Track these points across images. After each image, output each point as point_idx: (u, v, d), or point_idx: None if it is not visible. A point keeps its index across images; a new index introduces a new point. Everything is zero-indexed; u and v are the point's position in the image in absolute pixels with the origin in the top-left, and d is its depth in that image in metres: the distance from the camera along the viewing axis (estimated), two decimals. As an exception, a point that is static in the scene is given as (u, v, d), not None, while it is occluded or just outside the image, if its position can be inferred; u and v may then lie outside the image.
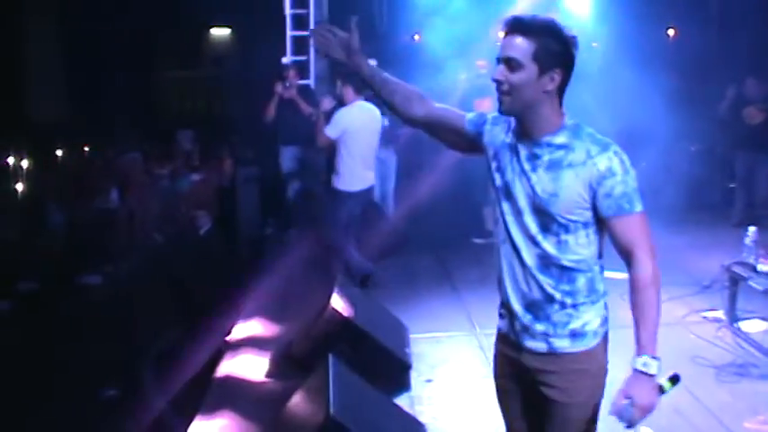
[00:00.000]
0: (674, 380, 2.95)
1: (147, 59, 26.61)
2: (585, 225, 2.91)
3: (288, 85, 9.72)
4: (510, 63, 2.82)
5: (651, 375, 2.84)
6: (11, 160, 15.37)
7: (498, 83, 2.88)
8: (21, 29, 22.75)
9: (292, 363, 5.80)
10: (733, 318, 6.47)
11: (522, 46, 2.79)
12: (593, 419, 3.06)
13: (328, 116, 7.75)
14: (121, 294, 11.26)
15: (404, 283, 8.22)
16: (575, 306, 2.96)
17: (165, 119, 25.94)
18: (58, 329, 9.56)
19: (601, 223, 2.91)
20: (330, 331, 5.57)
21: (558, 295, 2.95)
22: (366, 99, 7.71)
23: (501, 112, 2.94)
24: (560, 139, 2.89)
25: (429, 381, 5.78)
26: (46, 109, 22.50)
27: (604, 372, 3.05)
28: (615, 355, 3.12)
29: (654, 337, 2.87)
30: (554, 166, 2.87)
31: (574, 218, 2.88)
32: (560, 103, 2.90)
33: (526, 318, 3.01)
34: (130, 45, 24.15)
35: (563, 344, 2.97)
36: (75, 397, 7.61)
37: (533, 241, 2.95)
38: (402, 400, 5.30)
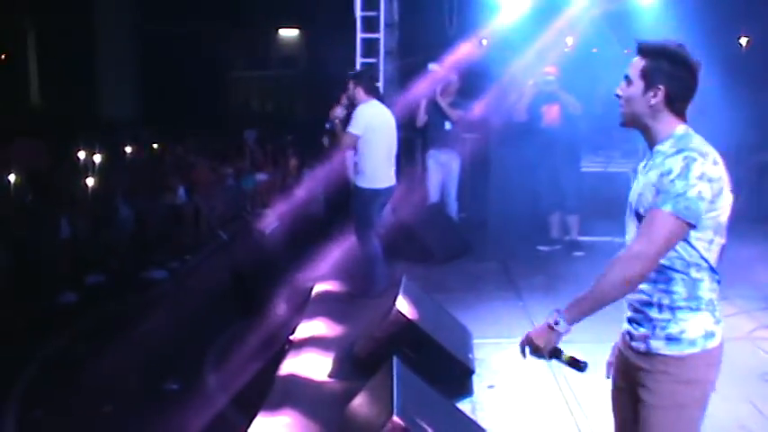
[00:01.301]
0: (575, 364, 3.17)
1: (216, 59, 26.92)
2: None
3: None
4: (627, 79, 3.12)
5: (555, 328, 3.04)
6: (82, 155, 15.63)
7: (617, 96, 3.18)
8: (94, 28, 23.19)
9: (356, 363, 5.82)
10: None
11: (636, 65, 3.11)
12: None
13: (343, 124, 7.75)
14: (186, 290, 11.41)
15: (468, 287, 8.19)
16: (671, 309, 3.04)
17: (232, 118, 26.20)
18: (123, 323, 9.71)
19: (701, 229, 2.98)
20: (394, 333, 5.58)
21: (655, 296, 3.07)
22: (378, 100, 7.73)
23: (621, 124, 3.22)
24: (663, 147, 3.07)
25: (491, 387, 5.75)
26: (117, 106, 22.92)
27: (700, 386, 3.07)
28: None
29: (587, 308, 3.02)
30: (647, 170, 3.10)
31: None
32: (675, 116, 3.09)
33: (633, 318, 3.18)
34: (201, 45, 24.51)
35: (658, 344, 3.06)
36: (139, 390, 7.73)
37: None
38: (464, 405, 5.28)
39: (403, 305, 5.65)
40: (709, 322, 3.04)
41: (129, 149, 17.49)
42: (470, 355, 6.00)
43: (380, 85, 10.16)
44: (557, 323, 3.03)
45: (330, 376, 5.93)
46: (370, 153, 7.52)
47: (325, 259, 9.48)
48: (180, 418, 7.25)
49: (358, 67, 10.27)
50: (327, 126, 8.09)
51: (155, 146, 19.08)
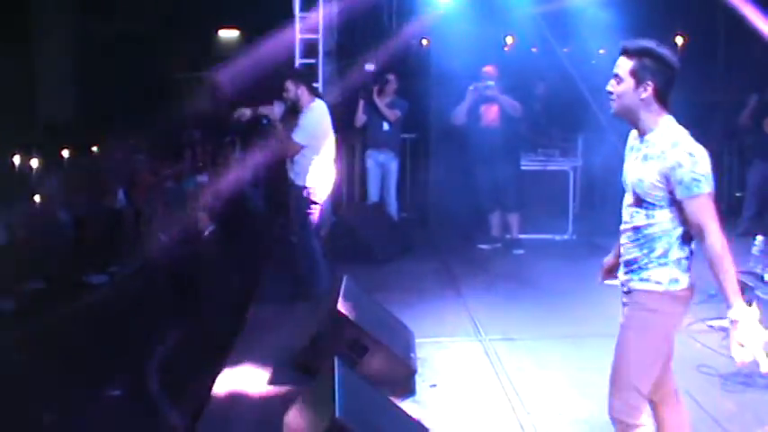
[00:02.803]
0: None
1: (156, 60, 26.64)
2: (662, 206, 3.70)
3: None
4: (616, 77, 3.72)
5: (739, 318, 3.61)
6: (18, 160, 15.38)
7: (609, 92, 3.79)
8: (30, 29, 22.78)
9: (297, 366, 5.80)
10: (739, 327, 6.46)
11: (624, 65, 3.70)
12: (644, 353, 3.82)
13: (284, 123, 7.69)
14: (127, 294, 11.28)
15: (409, 287, 8.21)
16: (648, 263, 3.77)
17: (172, 120, 25.92)
18: (63, 329, 9.57)
19: (678, 204, 3.65)
20: (335, 334, 5.58)
21: (638, 255, 3.81)
22: (320, 98, 7.70)
23: (612, 114, 3.83)
24: (654, 136, 3.72)
25: (433, 386, 5.76)
26: (54, 109, 22.52)
27: (661, 316, 3.77)
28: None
29: (732, 287, 3.61)
30: (644, 158, 3.73)
31: (651, 200, 3.69)
32: (662, 106, 3.73)
33: (625, 272, 3.91)
34: (140, 46, 24.18)
35: (635, 284, 3.83)
36: (80, 396, 7.63)
37: (630, 215, 3.84)
38: (407, 405, 5.28)
39: (344, 306, 5.65)
40: (676, 273, 3.74)
41: (66, 152, 17.23)
42: (412, 355, 6.01)
43: (320, 86, 10.15)
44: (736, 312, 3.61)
45: (272, 379, 5.90)
46: (311, 154, 7.49)
47: (266, 260, 9.45)
48: (122, 425, 7.18)
49: (297, 66, 10.23)
50: (264, 122, 8.00)
51: (93, 149, 18.82)
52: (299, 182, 7.56)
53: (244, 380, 5.92)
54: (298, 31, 10.49)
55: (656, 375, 3.88)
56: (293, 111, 7.65)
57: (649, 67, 3.67)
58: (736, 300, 3.59)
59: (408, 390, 5.63)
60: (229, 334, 6.97)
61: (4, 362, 8.62)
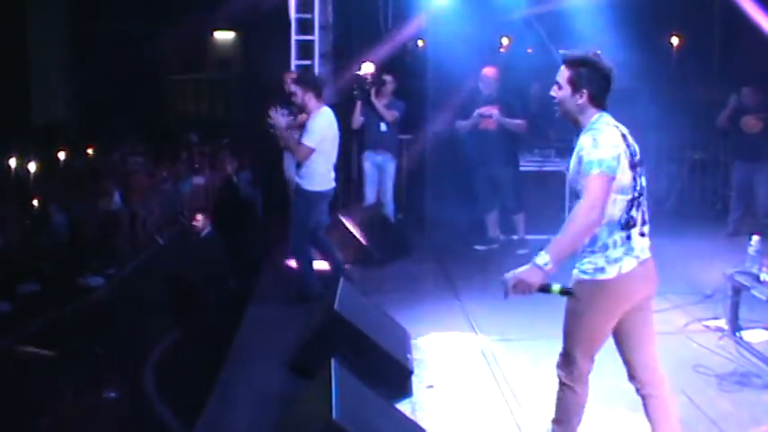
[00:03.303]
0: (565, 292, 4.01)
1: (151, 62, 26.60)
2: None
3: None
4: (557, 84, 4.11)
5: (542, 268, 3.88)
6: (14, 162, 15.35)
7: (552, 98, 4.17)
8: (25, 29, 22.72)
9: (294, 367, 5.80)
10: (735, 327, 6.45)
11: (563, 73, 4.09)
12: (577, 332, 4.20)
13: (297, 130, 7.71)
14: (123, 296, 11.28)
15: (406, 288, 8.22)
16: (582, 252, 4.09)
17: (168, 122, 25.93)
18: (59, 331, 9.57)
19: (616, 189, 3.94)
20: (332, 336, 5.58)
21: (579, 248, 4.08)
22: (327, 105, 7.71)
23: (557, 116, 4.21)
24: (582, 134, 4.05)
25: (430, 387, 5.77)
26: (50, 110, 22.46)
27: (584, 304, 4.08)
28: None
29: (563, 251, 3.94)
30: (576, 153, 4.05)
31: (580, 190, 3.95)
32: (597, 109, 4.07)
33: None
34: (135, 47, 24.12)
35: (574, 273, 4.14)
36: (77, 399, 7.62)
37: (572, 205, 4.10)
38: (403, 406, 5.29)
39: (341, 307, 5.65)
40: (601, 261, 4.03)
41: (62, 154, 17.19)
42: (409, 356, 6.01)
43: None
44: (546, 264, 3.87)
45: (269, 380, 5.90)
46: (318, 159, 7.48)
47: (263, 262, 9.45)
48: (118, 427, 7.17)
49: (293, 67, 10.24)
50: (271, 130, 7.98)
51: (89, 150, 18.79)
52: (305, 186, 7.55)
53: (241, 381, 5.91)
54: (294, 33, 10.50)
55: (593, 349, 4.23)
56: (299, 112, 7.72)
57: (585, 75, 4.04)
58: (548, 255, 3.88)
59: (405, 391, 5.63)
60: (226, 335, 6.96)
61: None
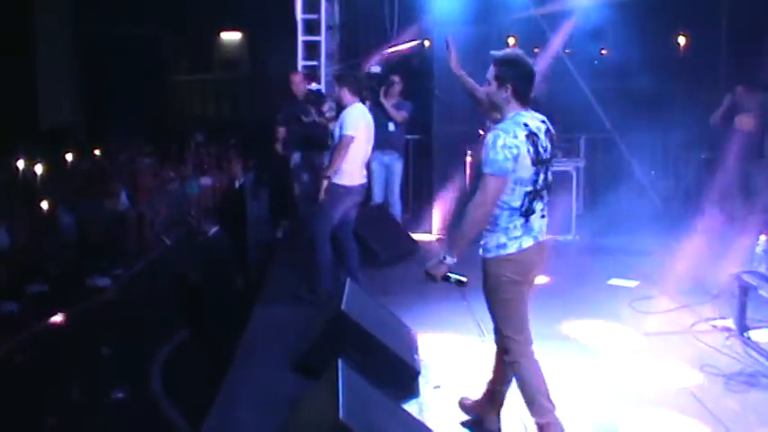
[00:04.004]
0: (460, 282, 4.53)
1: (158, 63, 26.66)
2: None
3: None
4: (487, 81, 4.56)
5: (443, 261, 4.48)
6: (21, 163, 15.40)
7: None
8: (32, 32, 22.76)
9: (301, 367, 5.80)
10: (743, 327, 6.44)
11: (490, 71, 4.53)
12: (499, 306, 4.67)
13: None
14: (130, 296, 11.31)
15: (413, 289, 8.19)
16: (485, 232, 4.53)
17: (175, 122, 25.98)
18: (67, 331, 9.59)
19: (515, 181, 4.39)
20: (339, 336, 5.58)
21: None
22: (362, 101, 7.71)
23: (484, 111, 4.96)
24: None
25: (437, 387, 5.76)
26: (57, 113, 22.52)
27: (494, 278, 4.55)
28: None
29: (459, 243, 4.48)
30: None
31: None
32: (519, 104, 4.48)
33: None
34: (142, 48, 24.20)
35: (481, 253, 4.60)
36: (85, 399, 7.64)
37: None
38: (410, 406, 5.28)
39: (348, 307, 5.65)
40: (503, 239, 4.48)
41: (70, 155, 17.24)
42: (416, 356, 6.01)
43: (322, 87, 10.16)
44: (445, 258, 4.47)
45: (276, 381, 5.90)
46: (351, 152, 7.45)
47: (271, 262, 9.45)
48: (126, 427, 7.19)
49: (299, 68, 10.25)
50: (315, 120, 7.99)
51: (96, 152, 18.85)
52: (335, 180, 7.49)
53: (248, 381, 5.92)
54: (300, 33, 10.51)
55: (521, 322, 4.65)
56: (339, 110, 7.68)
57: (509, 72, 4.46)
58: (454, 249, 4.46)
59: (412, 391, 5.63)
60: (233, 336, 6.97)
61: (7, 365, 8.65)
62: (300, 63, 10.40)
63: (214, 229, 10.04)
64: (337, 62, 10.87)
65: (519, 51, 4.57)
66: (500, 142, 4.31)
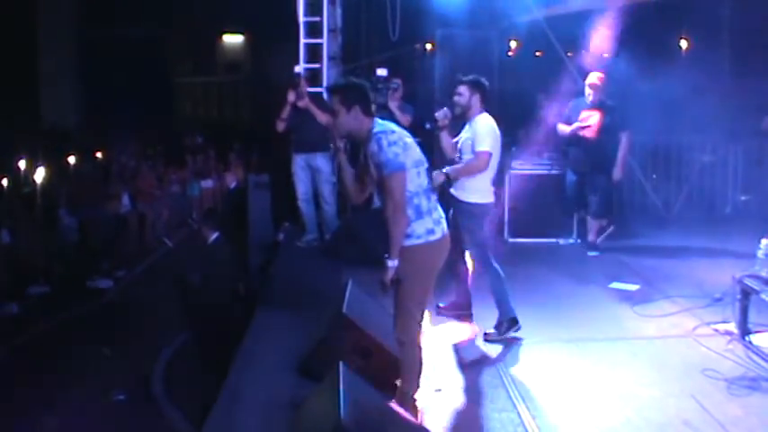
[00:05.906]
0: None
1: (160, 65, 26.67)
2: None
3: (299, 94, 9.59)
4: (334, 109, 4.91)
5: (388, 267, 4.87)
6: (23, 165, 15.41)
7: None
8: (34, 35, 22.80)
9: (303, 370, 5.80)
10: (744, 331, 6.43)
11: (333, 100, 4.90)
12: (413, 294, 5.01)
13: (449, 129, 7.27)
14: (132, 298, 11.30)
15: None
16: (410, 221, 4.89)
17: (177, 125, 25.99)
18: (68, 333, 9.59)
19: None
20: (340, 339, 5.57)
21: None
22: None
23: (342, 137, 5.11)
24: (367, 141, 4.91)
25: (438, 390, 5.76)
26: (59, 115, 22.54)
27: (422, 263, 4.96)
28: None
29: (393, 248, 4.85)
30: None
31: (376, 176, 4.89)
32: (370, 119, 4.92)
33: None
34: (144, 51, 24.22)
35: (411, 241, 4.93)
36: (84, 402, 7.63)
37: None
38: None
39: (349, 310, 5.65)
40: (430, 224, 4.92)
41: (72, 158, 17.25)
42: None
43: (323, 90, 10.15)
44: (388, 264, 4.86)
45: (277, 383, 5.90)
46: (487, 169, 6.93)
47: (273, 264, 9.44)
48: (127, 428, 7.18)
49: (301, 70, 10.24)
50: (428, 127, 7.61)
51: (98, 154, 18.85)
52: (465, 198, 6.92)
53: (249, 384, 5.91)
54: (302, 36, 10.52)
55: (424, 305, 5.06)
56: (459, 117, 7.09)
57: (347, 96, 4.86)
58: (392, 254, 4.84)
59: (413, 394, 5.62)
60: (234, 338, 6.97)
61: (7, 366, 8.64)
62: (303, 66, 10.39)
63: (216, 233, 10.01)
64: (339, 64, 10.88)
65: (345, 78, 5.12)
66: (385, 141, 4.81)
